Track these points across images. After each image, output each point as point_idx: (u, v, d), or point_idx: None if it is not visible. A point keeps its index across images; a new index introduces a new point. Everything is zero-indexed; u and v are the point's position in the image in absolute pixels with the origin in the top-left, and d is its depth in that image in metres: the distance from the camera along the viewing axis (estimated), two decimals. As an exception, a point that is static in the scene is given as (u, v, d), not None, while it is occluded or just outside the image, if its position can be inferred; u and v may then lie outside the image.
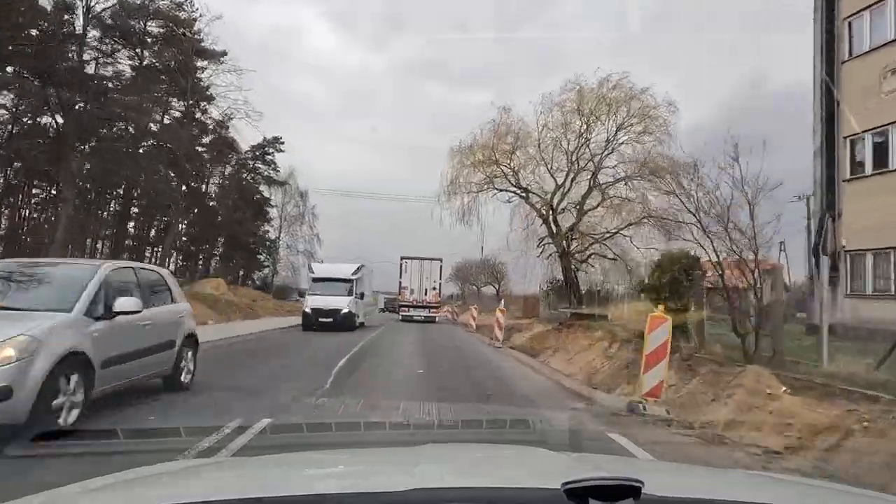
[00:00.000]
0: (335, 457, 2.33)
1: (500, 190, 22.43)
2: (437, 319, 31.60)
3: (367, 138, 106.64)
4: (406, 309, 31.40)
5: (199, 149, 42.15)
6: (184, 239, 47.74)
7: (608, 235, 20.92)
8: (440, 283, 32.32)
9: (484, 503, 1.27)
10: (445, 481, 1.51)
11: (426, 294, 31.30)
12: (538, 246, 22.35)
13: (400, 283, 31.84)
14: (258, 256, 54.80)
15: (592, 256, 22.03)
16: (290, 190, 54.09)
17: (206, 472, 1.94)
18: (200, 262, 51.41)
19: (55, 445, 3.53)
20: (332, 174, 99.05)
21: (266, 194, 53.52)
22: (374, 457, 2.24)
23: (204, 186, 48.41)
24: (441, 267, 32.45)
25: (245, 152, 47.76)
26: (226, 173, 51.27)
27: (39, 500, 1.48)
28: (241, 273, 54.21)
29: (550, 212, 21.43)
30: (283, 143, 49.75)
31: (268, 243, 54.24)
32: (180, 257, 48.57)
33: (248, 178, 50.74)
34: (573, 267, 21.53)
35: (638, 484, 1.15)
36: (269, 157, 50.54)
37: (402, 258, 31.87)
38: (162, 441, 3.91)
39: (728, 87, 69.41)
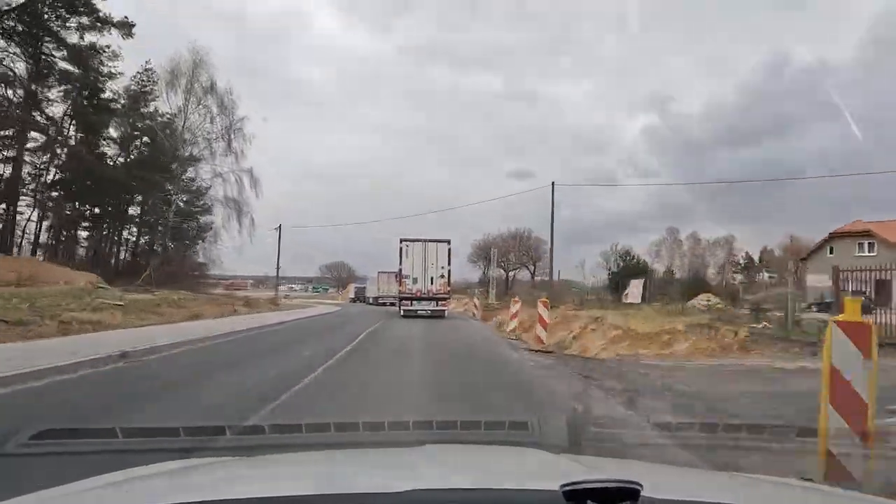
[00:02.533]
0: (333, 457, 2.33)
1: None
2: (445, 314, 26.67)
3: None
4: (408, 302, 26.35)
5: None
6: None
7: None
8: (448, 270, 27.07)
9: None
10: (443, 482, 1.51)
11: (432, 283, 26.37)
12: None
13: (400, 270, 26.77)
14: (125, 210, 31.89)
15: None
16: (196, 86, 30.54)
17: (202, 472, 1.93)
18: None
19: (52, 444, 3.52)
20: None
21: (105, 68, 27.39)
22: (372, 457, 2.23)
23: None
24: (449, 250, 27.19)
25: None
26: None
27: (32, 499, 1.48)
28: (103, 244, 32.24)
29: None
30: None
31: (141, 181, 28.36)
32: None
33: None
34: None
35: (637, 486, 1.15)
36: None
37: (401, 240, 26.96)
38: (161, 441, 3.90)
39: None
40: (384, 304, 43.89)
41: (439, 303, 26.68)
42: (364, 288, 59.16)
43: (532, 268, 49.53)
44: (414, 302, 26.38)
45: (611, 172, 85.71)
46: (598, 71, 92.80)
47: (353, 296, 64.97)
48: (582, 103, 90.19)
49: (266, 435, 4.58)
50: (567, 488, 1.14)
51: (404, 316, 25.84)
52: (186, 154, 31.47)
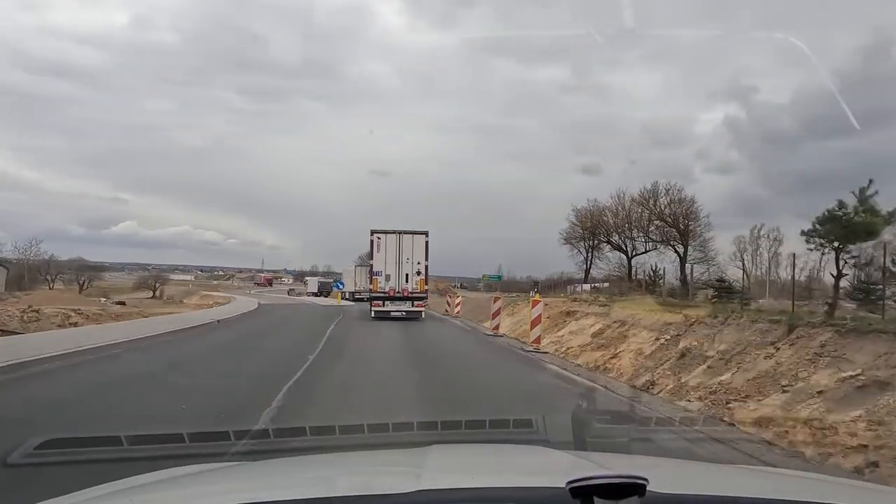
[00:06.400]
0: (341, 459, 2.34)
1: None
2: (422, 315, 24.19)
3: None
4: (380, 303, 23.60)
5: None
6: None
7: None
8: (426, 266, 24.12)
9: (489, 503, 1.27)
10: (451, 482, 1.51)
11: (407, 281, 23.70)
12: None
13: (371, 266, 24.24)
14: None
15: None
16: None
17: (211, 477, 1.93)
18: None
19: (58, 454, 3.53)
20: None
21: None
22: (379, 459, 2.24)
23: None
24: (427, 242, 24.05)
25: None
26: None
27: None
28: None
29: None
30: None
31: None
32: None
33: None
34: None
35: (642, 481, 1.15)
36: None
37: (372, 232, 23.88)
38: (166, 448, 3.91)
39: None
40: (361, 300, 38.98)
41: (415, 303, 23.98)
42: (333, 283, 53.07)
43: (682, 249, 29.19)
44: (387, 302, 23.64)
45: (686, 167, 78.31)
46: (672, 59, 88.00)
47: (314, 290, 56.45)
48: (655, 94, 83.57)
49: (271, 439, 4.59)
50: (573, 485, 1.14)
51: (375, 318, 23.31)
52: None
